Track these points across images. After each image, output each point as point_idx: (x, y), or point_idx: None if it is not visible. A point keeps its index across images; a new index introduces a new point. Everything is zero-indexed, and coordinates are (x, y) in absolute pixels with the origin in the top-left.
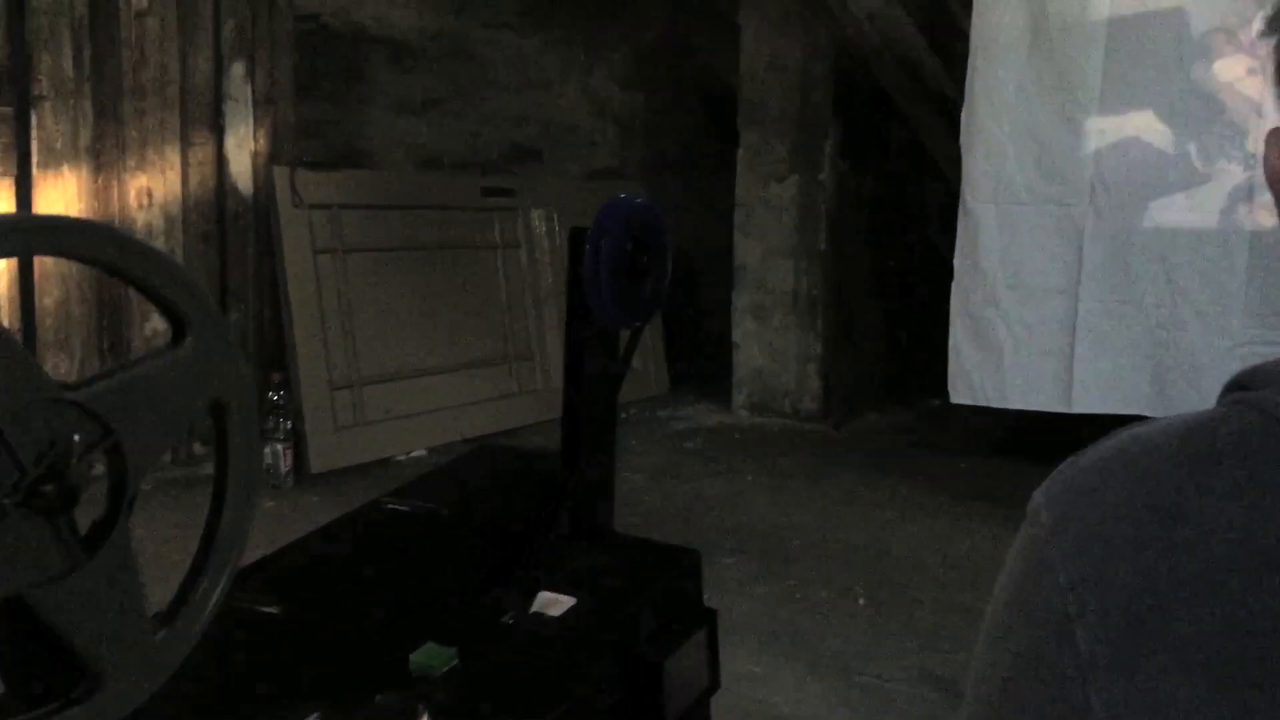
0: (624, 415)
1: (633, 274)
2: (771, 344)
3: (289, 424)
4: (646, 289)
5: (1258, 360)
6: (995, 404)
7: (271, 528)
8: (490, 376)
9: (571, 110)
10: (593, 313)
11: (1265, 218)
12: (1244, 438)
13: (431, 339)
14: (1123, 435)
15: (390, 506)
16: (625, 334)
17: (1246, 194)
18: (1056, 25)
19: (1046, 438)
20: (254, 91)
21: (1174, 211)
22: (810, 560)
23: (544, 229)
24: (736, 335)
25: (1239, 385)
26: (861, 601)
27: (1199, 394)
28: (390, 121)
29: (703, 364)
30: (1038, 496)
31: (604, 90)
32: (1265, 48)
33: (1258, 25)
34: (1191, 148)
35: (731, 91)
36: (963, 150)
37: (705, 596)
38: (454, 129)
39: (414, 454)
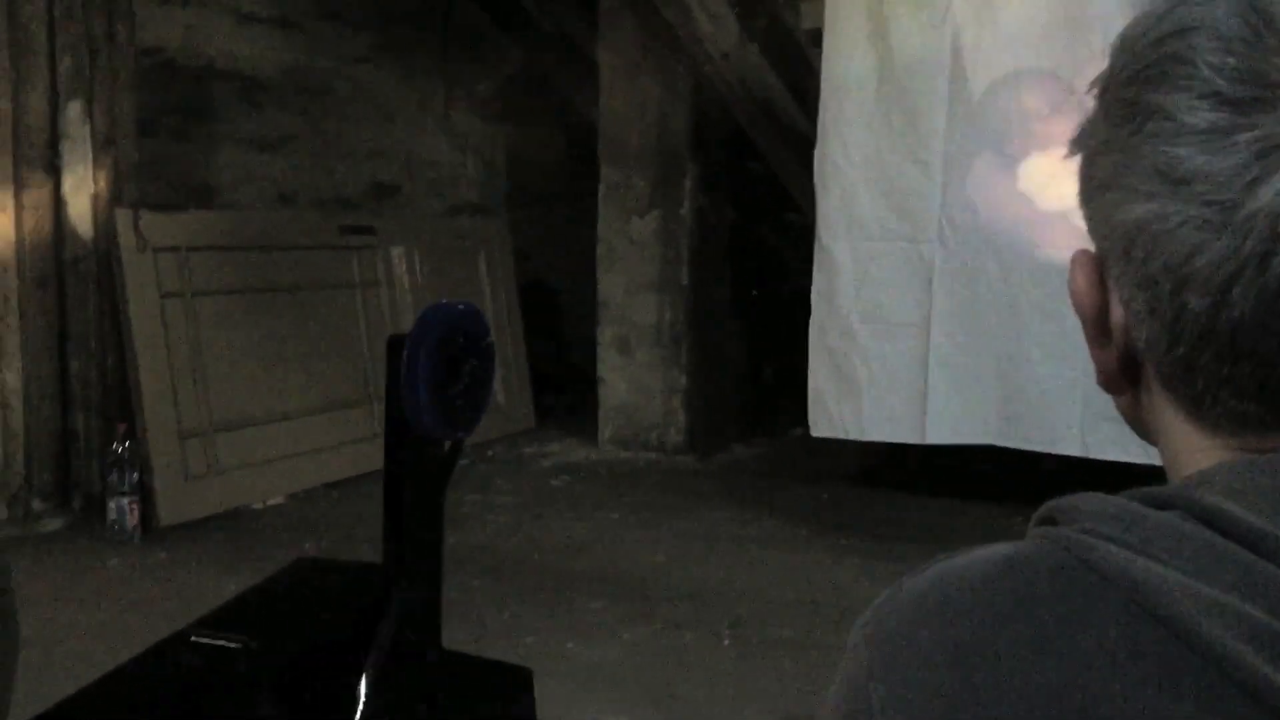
0: (489, 452)
1: (453, 383)
2: (636, 378)
3: (135, 476)
4: (468, 398)
5: (1099, 391)
6: (854, 437)
7: (117, 588)
8: (352, 419)
9: (432, 145)
10: (412, 425)
11: None
12: (1053, 582)
13: (289, 382)
14: (941, 569)
15: (194, 640)
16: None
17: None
18: (902, 66)
19: (907, 469)
20: (93, 130)
21: (1016, 248)
22: (677, 601)
23: (405, 266)
24: (601, 370)
25: (1048, 518)
26: (726, 643)
27: (1044, 425)
28: (242, 159)
29: (569, 397)
30: (858, 631)
31: (465, 124)
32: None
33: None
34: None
35: (593, 126)
36: (816, 188)
37: (570, 645)
38: (309, 166)
39: (271, 502)
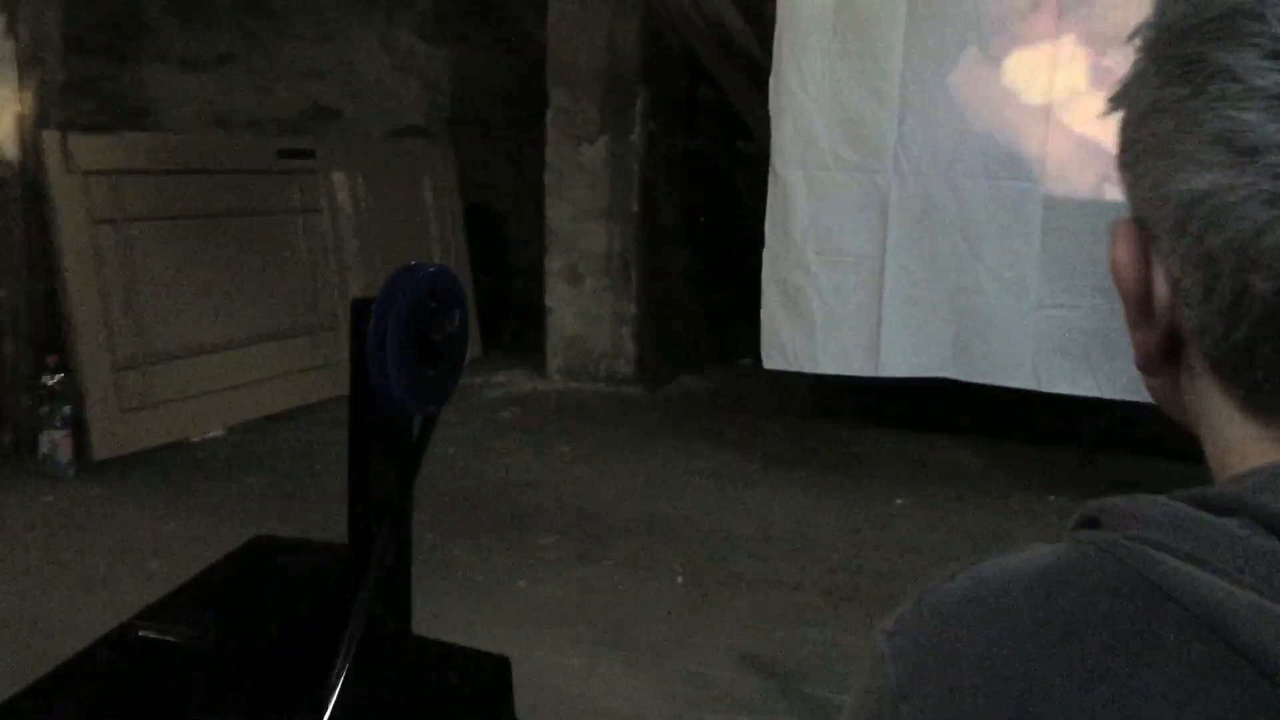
0: None
1: (427, 353)
2: (585, 308)
3: (68, 410)
4: (442, 368)
5: (1055, 322)
6: (808, 369)
7: (51, 524)
8: (292, 349)
9: (373, 65)
10: (380, 397)
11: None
12: (1111, 599)
13: (227, 312)
14: (975, 576)
15: (142, 635)
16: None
17: (1041, 161)
18: None
19: (856, 400)
20: (17, 47)
21: (973, 178)
22: (628, 537)
23: (347, 191)
24: (550, 300)
25: (1091, 521)
26: (680, 580)
27: (997, 357)
28: (175, 79)
29: (515, 326)
30: (883, 642)
31: (407, 44)
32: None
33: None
34: (993, 117)
35: (541, 48)
36: (771, 117)
37: (522, 583)
38: (246, 86)
39: (210, 434)
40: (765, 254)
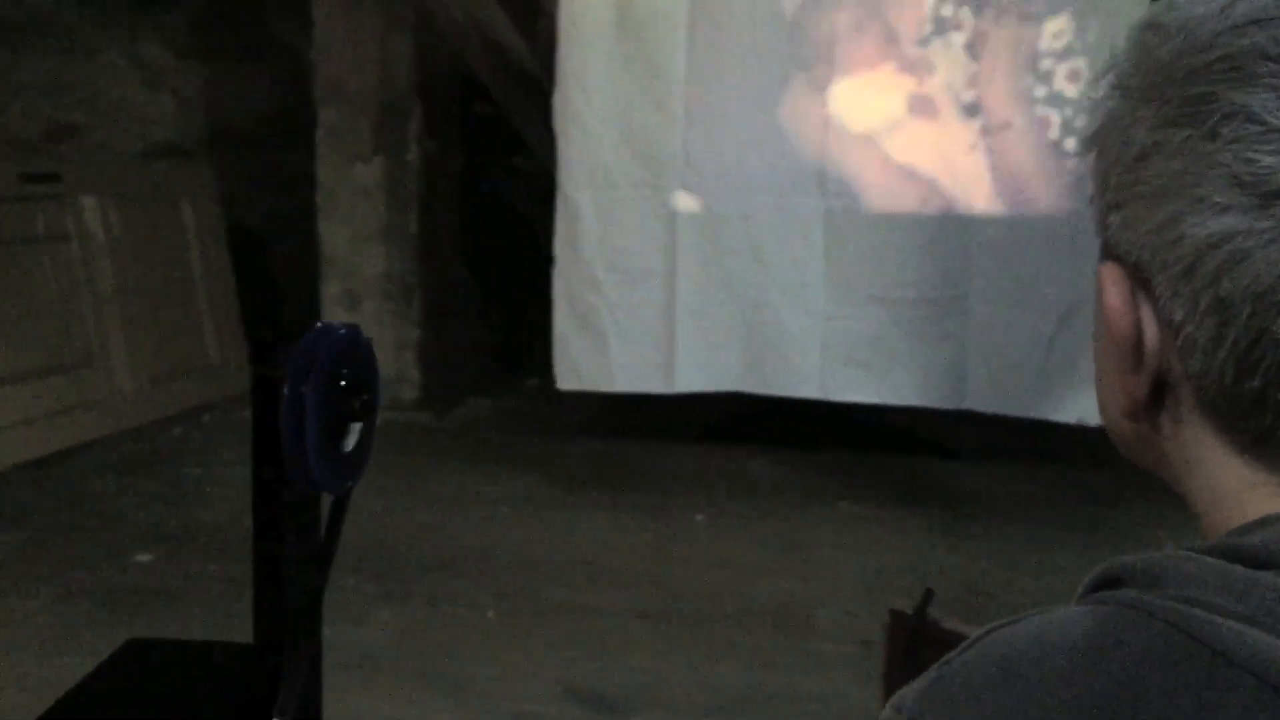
0: (205, 418)
1: (344, 425)
2: (366, 333)
3: None
4: (359, 438)
5: (839, 333)
6: (602, 388)
7: None
8: (41, 390)
9: (120, 82)
10: (290, 479)
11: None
12: (1165, 670)
13: None
14: (1004, 649)
15: None
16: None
17: (822, 178)
18: (641, 11)
19: (648, 417)
20: None
21: (759, 194)
22: (433, 572)
23: (98, 217)
24: None
25: (1113, 580)
26: (491, 614)
27: (786, 370)
28: None
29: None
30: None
31: (157, 60)
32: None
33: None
34: (778, 131)
35: (307, 63)
36: (557, 136)
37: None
38: None
39: None
40: (555, 273)
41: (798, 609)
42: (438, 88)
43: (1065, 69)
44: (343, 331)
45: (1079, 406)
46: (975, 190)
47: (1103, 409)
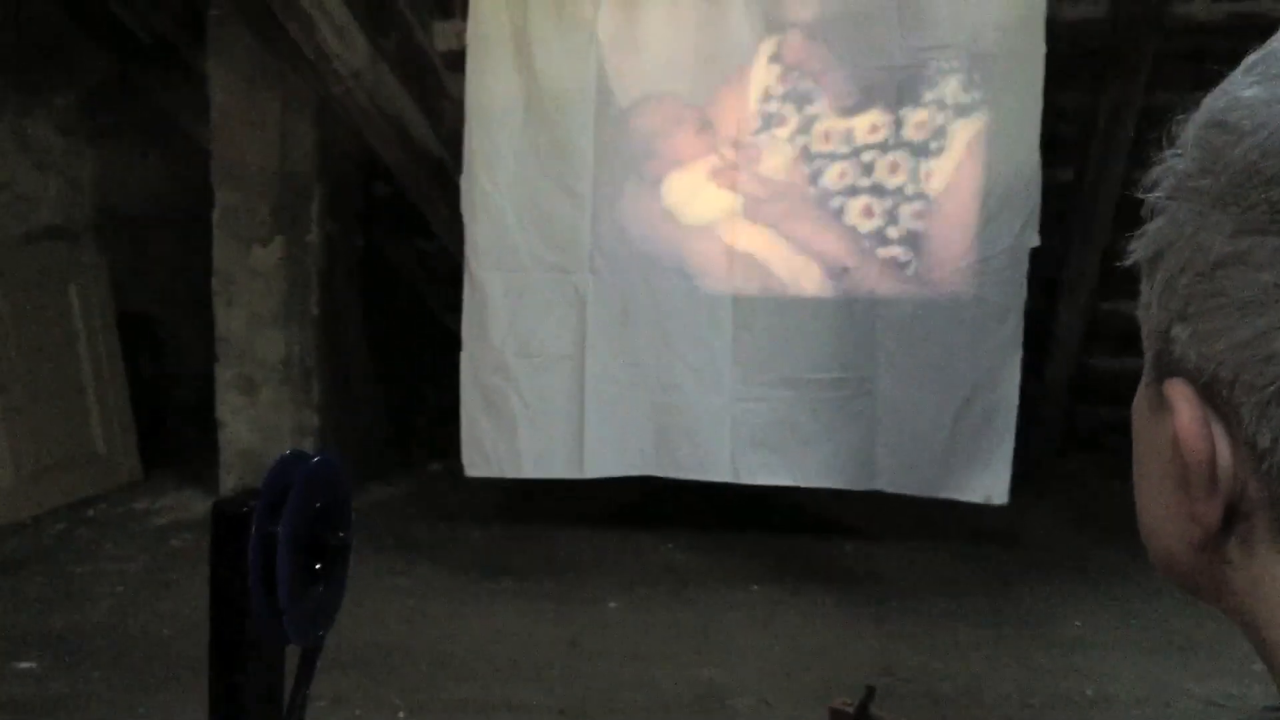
0: (89, 512)
1: (315, 571)
2: (262, 419)
3: None
4: (331, 583)
5: (749, 415)
6: (511, 474)
7: None
8: None
9: (4, 163)
10: (257, 628)
11: (791, 274)
12: None
13: None
14: None
15: None
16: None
17: (729, 262)
18: (548, 93)
19: (555, 501)
20: None
21: (667, 276)
22: (337, 670)
23: None
24: (222, 412)
25: None
26: (402, 715)
27: (697, 453)
28: None
29: (179, 443)
30: None
31: (44, 140)
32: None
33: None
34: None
35: (201, 144)
36: (465, 218)
37: None
38: None
39: None
40: (463, 356)
41: (715, 699)
42: (338, 168)
43: (886, 161)
44: (315, 460)
45: (984, 485)
46: (871, 271)
47: (1153, 536)
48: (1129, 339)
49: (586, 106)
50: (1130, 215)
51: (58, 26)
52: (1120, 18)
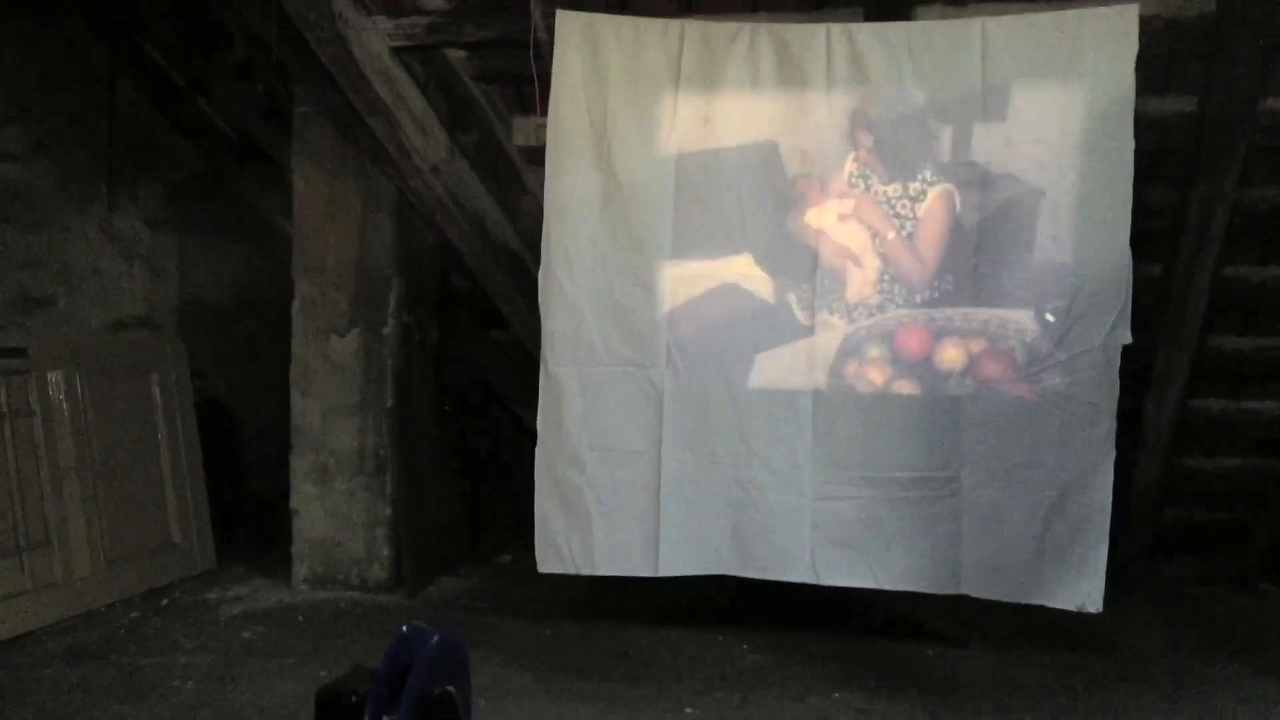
0: (163, 601)
1: None
2: (335, 509)
3: None
4: None
5: (829, 514)
6: (585, 571)
7: None
8: None
9: (91, 253)
10: None
11: (874, 374)
12: None
13: None
14: None
15: None
16: None
17: (855, 348)
18: (626, 189)
19: (628, 595)
20: None
21: (745, 372)
22: None
23: (63, 392)
24: (295, 501)
25: None
26: None
27: (775, 552)
28: None
29: (253, 531)
30: None
31: (130, 231)
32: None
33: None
34: (790, 298)
35: (282, 236)
36: (541, 312)
37: None
38: None
39: None
40: (538, 450)
41: None
42: (416, 262)
43: None
44: (434, 640)
45: (1078, 592)
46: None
47: None
48: (1220, 437)
49: (665, 202)
50: (1222, 312)
51: (148, 122)
52: (1210, 113)
